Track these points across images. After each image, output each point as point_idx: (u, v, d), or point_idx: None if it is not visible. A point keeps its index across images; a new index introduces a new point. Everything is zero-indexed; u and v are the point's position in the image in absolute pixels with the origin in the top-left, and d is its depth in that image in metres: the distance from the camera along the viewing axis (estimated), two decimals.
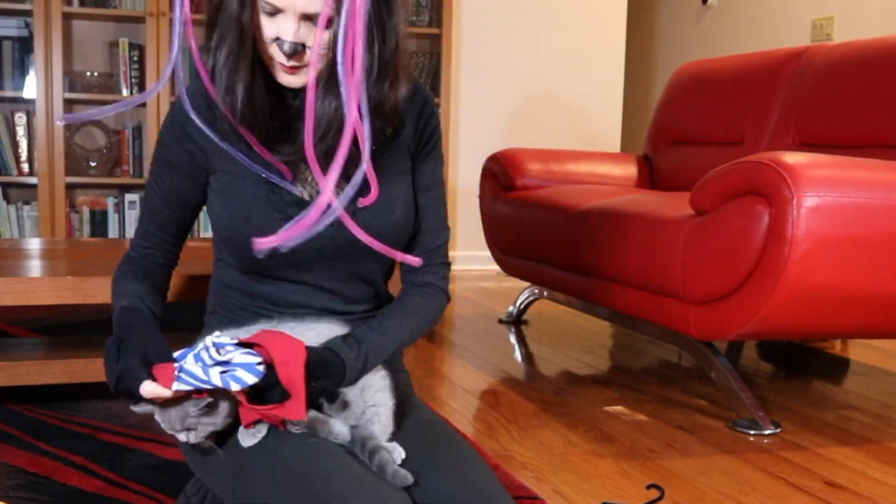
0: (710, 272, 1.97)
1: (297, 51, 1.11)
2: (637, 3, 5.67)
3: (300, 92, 1.20)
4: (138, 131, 3.97)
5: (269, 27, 1.13)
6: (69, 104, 3.88)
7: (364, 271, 1.30)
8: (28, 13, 3.70)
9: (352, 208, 1.20)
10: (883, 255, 1.90)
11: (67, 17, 3.84)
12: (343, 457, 1.08)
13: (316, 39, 1.10)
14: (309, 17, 1.10)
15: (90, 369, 1.96)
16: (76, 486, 1.55)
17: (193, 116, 1.16)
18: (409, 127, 1.29)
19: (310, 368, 1.08)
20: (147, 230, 1.33)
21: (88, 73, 3.86)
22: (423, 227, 1.33)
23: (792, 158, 1.88)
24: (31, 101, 3.76)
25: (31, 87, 3.78)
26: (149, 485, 1.56)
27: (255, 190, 1.22)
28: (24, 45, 3.79)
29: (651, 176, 3.40)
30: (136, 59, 3.89)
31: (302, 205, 1.20)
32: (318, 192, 1.22)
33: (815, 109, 2.68)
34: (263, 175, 1.20)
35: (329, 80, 1.12)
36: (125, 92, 3.89)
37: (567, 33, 4.74)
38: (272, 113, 1.18)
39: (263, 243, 1.08)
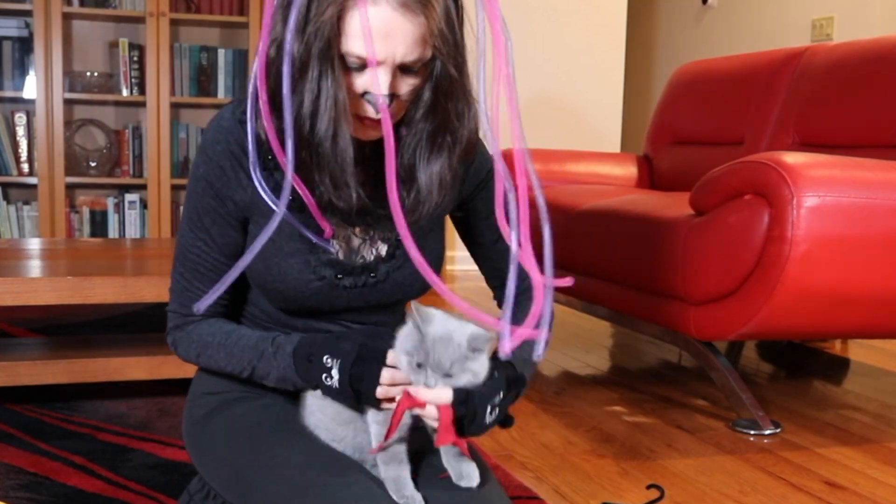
0: (710, 272, 1.97)
1: (389, 104, 1.01)
2: (637, 3, 5.67)
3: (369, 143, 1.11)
4: (138, 131, 3.97)
5: (358, 81, 1.02)
6: (69, 104, 3.88)
7: (390, 316, 1.26)
8: (28, 13, 3.69)
9: (385, 271, 1.18)
10: (883, 255, 1.90)
11: (67, 17, 3.84)
12: (348, 465, 1.08)
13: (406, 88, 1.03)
14: (401, 67, 1.02)
15: (90, 369, 1.96)
16: (76, 486, 1.55)
17: (256, 179, 1.06)
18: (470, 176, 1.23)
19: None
20: (201, 293, 1.16)
21: (88, 73, 3.86)
22: (496, 259, 1.32)
23: (792, 158, 1.88)
24: (31, 101, 3.76)
25: (31, 87, 3.78)
26: (149, 485, 1.56)
27: (289, 245, 1.15)
28: (24, 45, 3.79)
29: (651, 176, 3.40)
30: (136, 59, 3.89)
31: (334, 266, 1.15)
32: (353, 252, 1.17)
33: (815, 109, 2.68)
34: (308, 235, 1.11)
35: (433, 137, 1.07)
36: (125, 92, 3.89)
37: (567, 33, 4.74)
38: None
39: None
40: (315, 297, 1.16)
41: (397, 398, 1.02)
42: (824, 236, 1.84)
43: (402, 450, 1.06)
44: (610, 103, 4.87)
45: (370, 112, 1.03)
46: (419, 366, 1.00)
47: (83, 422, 1.92)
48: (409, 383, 1.02)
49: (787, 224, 1.83)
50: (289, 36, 0.98)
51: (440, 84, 1.06)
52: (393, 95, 1.02)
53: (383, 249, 1.18)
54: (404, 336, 1.03)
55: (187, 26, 4.03)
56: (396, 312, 1.26)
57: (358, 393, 1.03)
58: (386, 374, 1.02)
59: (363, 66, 1.01)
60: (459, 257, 4.67)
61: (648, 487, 1.66)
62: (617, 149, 4.88)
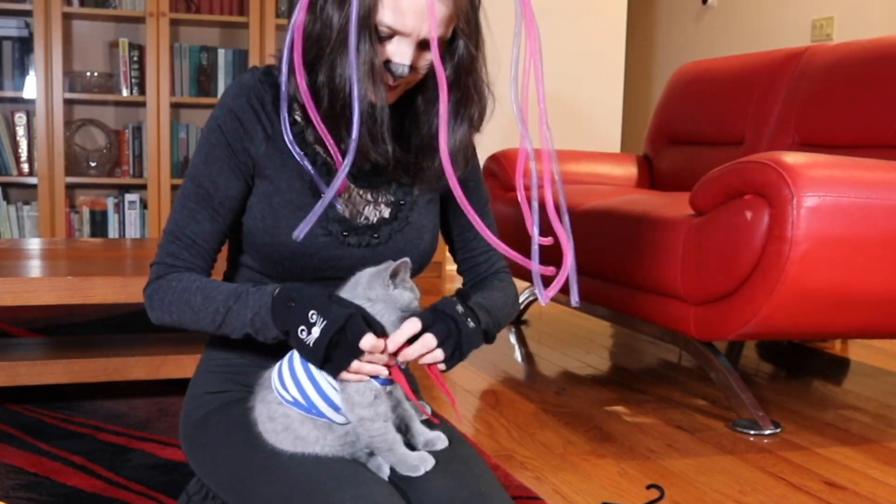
0: (710, 272, 1.97)
1: (408, 74, 1.12)
2: (637, 3, 5.67)
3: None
4: (138, 131, 3.97)
5: (382, 51, 1.11)
6: (69, 104, 3.88)
7: None
8: (28, 13, 3.69)
9: (388, 232, 1.23)
10: (883, 255, 1.90)
11: (67, 17, 3.84)
12: (345, 465, 1.08)
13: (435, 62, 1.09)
14: (422, 41, 1.11)
15: (90, 369, 1.96)
16: (76, 486, 1.55)
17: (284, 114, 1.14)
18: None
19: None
20: (191, 242, 1.20)
21: (88, 73, 3.86)
22: (478, 240, 1.36)
23: (792, 158, 1.88)
24: (31, 101, 3.76)
25: (31, 87, 3.78)
26: (149, 485, 1.57)
27: (299, 200, 1.19)
28: (24, 45, 3.79)
29: (651, 176, 3.40)
30: (136, 59, 3.89)
31: (344, 223, 1.20)
32: (358, 212, 1.22)
33: (815, 109, 2.68)
34: (323, 191, 1.15)
35: (458, 107, 1.18)
36: (125, 92, 3.90)
37: (567, 33, 4.74)
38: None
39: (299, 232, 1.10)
40: (320, 254, 1.20)
41: (357, 376, 1.06)
42: (824, 236, 1.84)
43: (390, 428, 1.09)
44: (610, 103, 4.87)
45: (388, 79, 1.13)
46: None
47: (83, 422, 1.92)
48: (376, 371, 1.07)
49: (787, 224, 1.83)
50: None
51: (462, 61, 1.17)
52: (411, 67, 1.12)
53: (386, 212, 1.24)
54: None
55: (187, 26, 4.03)
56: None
57: (327, 359, 1.05)
58: (366, 346, 1.05)
59: (391, 35, 1.10)
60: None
61: (648, 487, 1.66)
62: (617, 149, 4.87)
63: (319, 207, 1.09)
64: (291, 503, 1.05)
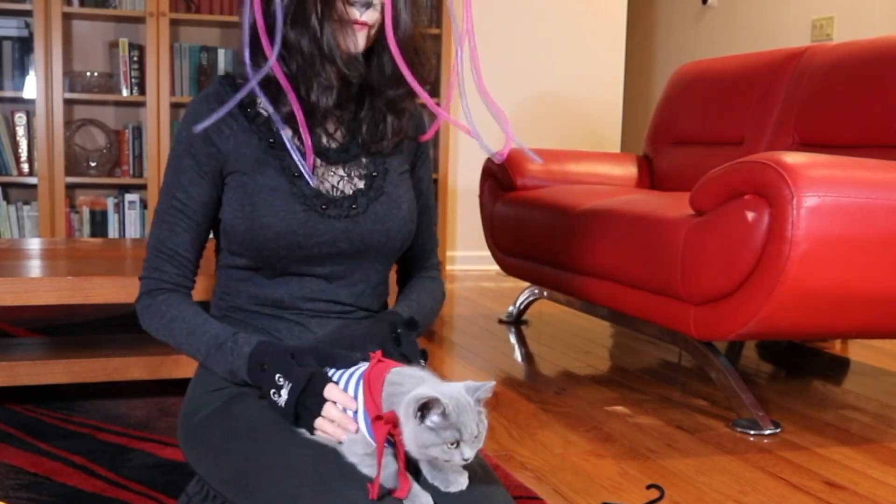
0: (710, 272, 1.97)
1: (370, 5, 1.18)
2: (637, 3, 5.67)
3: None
4: (138, 131, 3.97)
5: None
6: (69, 104, 3.88)
7: (371, 272, 1.34)
8: (28, 13, 3.69)
9: (365, 202, 1.28)
10: (883, 255, 1.90)
11: (67, 17, 3.84)
12: (352, 468, 1.08)
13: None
14: None
15: (90, 369, 1.96)
16: (76, 486, 1.55)
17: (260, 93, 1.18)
18: (410, 132, 1.37)
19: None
20: (173, 254, 1.28)
21: (88, 73, 3.86)
22: (422, 228, 1.42)
23: (792, 158, 1.88)
24: (31, 101, 3.76)
25: (31, 87, 3.78)
26: (149, 485, 1.56)
27: (274, 182, 1.24)
28: (24, 45, 3.79)
29: (651, 176, 3.40)
30: (136, 59, 3.89)
31: (321, 197, 1.25)
32: (333, 187, 1.27)
33: (815, 109, 2.68)
34: (297, 160, 1.22)
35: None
36: (125, 92, 3.90)
37: (567, 33, 4.74)
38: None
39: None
40: (303, 230, 1.24)
41: (330, 430, 1.09)
42: (824, 236, 1.84)
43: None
44: (610, 103, 4.87)
45: (355, 14, 1.18)
46: (454, 444, 0.98)
47: (83, 422, 1.92)
48: (346, 421, 1.08)
49: (787, 224, 1.83)
50: None
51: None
52: (370, 4, 1.18)
53: (361, 184, 1.30)
54: (417, 435, 0.99)
55: (187, 26, 4.03)
56: (373, 276, 1.34)
57: (298, 418, 1.11)
58: (327, 409, 1.10)
59: None
60: (460, 257, 4.67)
61: (648, 487, 1.66)
62: (617, 149, 4.87)
63: (237, 97, 1.15)
64: (298, 501, 1.05)
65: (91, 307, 3.11)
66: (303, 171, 1.22)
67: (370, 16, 1.19)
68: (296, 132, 1.24)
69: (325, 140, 1.28)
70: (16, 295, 1.82)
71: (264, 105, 1.22)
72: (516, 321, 3.27)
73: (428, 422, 0.98)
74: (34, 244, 2.53)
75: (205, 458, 1.23)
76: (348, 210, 1.27)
